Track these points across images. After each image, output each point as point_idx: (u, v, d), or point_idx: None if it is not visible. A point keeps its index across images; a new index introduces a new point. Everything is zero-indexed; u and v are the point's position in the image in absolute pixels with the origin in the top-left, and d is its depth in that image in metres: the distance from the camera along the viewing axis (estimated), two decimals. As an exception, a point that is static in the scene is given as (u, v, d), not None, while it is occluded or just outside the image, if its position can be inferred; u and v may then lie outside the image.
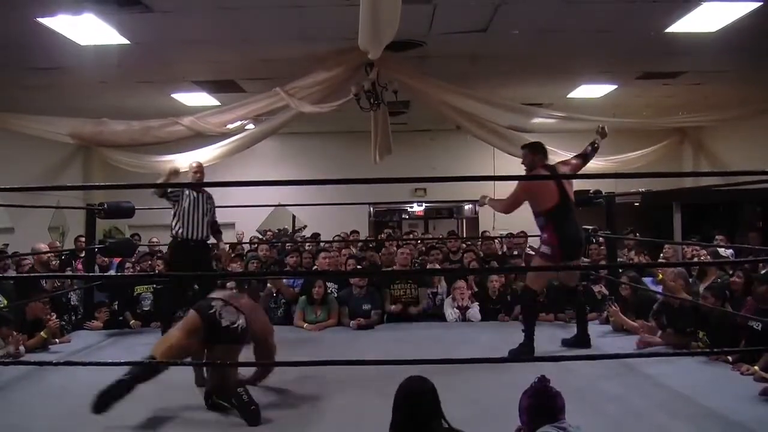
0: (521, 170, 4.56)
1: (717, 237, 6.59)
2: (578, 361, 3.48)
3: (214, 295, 3.40)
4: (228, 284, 4.31)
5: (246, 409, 3.04)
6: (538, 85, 7.83)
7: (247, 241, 8.61)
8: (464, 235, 11.53)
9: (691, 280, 5.00)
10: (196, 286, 4.86)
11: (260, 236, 9.51)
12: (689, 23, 5.39)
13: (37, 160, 8.81)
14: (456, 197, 11.43)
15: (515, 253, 7.15)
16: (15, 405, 3.35)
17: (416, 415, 2.09)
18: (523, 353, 4.23)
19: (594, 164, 5.31)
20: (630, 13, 5.18)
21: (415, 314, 5.78)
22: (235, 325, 3.18)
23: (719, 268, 5.34)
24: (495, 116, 6.65)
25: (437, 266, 6.26)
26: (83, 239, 6.68)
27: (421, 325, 5.60)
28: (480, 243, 7.83)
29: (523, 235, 7.27)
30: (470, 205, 11.89)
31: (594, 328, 4.91)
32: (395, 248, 6.78)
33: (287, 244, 8.24)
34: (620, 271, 5.53)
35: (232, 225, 9.61)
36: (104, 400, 2.85)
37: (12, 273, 5.73)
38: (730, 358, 3.89)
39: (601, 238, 5.94)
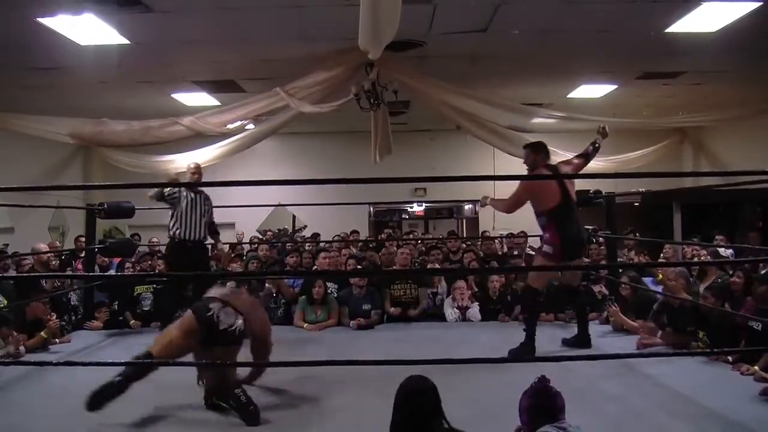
0: (521, 170, 4.56)
1: (717, 237, 6.60)
2: (578, 361, 3.47)
3: (212, 294, 3.35)
4: (228, 284, 4.29)
5: (245, 410, 3.03)
6: (538, 85, 7.83)
7: (247, 241, 8.61)
8: (464, 235, 11.51)
9: (691, 280, 5.00)
10: (192, 287, 4.87)
11: (260, 236, 9.51)
12: (689, 23, 5.40)
13: (37, 160, 8.81)
14: (456, 197, 11.44)
15: (515, 253, 7.15)
16: (15, 405, 3.35)
17: (417, 415, 2.08)
18: (524, 353, 4.23)
19: (594, 164, 5.31)
20: (630, 13, 5.19)
21: (414, 316, 5.77)
22: (233, 328, 3.14)
23: (719, 268, 5.35)
24: (495, 116, 6.65)
25: (437, 266, 6.26)
26: (83, 239, 6.69)
27: (421, 325, 5.59)
28: (480, 243, 7.83)
29: (523, 235, 7.28)
30: (470, 205, 11.89)
31: (594, 328, 4.90)
32: (395, 248, 6.78)
33: (287, 244, 8.24)
34: (620, 271, 5.53)
35: (232, 225, 9.62)
36: (98, 399, 2.86)
37: (12, 273, 5.71)
38: (730, 358, 3.88)
39: (601, 238, 5.94)
